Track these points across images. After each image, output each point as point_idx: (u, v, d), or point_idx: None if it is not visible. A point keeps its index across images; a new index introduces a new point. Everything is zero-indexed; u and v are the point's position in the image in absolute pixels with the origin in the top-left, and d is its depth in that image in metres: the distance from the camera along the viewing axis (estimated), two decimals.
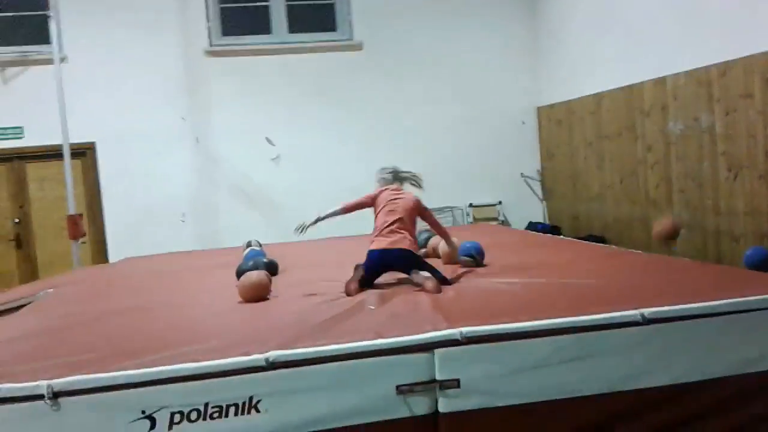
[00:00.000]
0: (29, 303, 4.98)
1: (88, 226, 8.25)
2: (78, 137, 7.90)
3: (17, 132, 8.27)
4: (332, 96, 8.82)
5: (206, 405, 2.86)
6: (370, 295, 3.96)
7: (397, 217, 4.38)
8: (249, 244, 6.14)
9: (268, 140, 8.68)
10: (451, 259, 4.89)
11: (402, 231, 4.35)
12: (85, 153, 8.41)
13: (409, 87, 8.94)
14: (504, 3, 9.17)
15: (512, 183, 9.24)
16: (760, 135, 5.43)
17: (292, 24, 8.91)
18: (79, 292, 5.14)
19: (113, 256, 8.24)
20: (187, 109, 8.58)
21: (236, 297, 4.14)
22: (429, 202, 8.70)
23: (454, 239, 4.94)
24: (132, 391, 2.82)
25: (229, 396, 2.88)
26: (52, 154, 7.91)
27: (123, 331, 3.62)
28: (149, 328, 3.66)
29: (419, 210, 4.55)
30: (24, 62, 8.24)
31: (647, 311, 3.19)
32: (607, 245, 6.34)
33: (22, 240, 8.39)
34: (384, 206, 4.45)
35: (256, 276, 4.21)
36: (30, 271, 8.32)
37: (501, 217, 9.12)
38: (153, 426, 2.83)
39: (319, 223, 4.55)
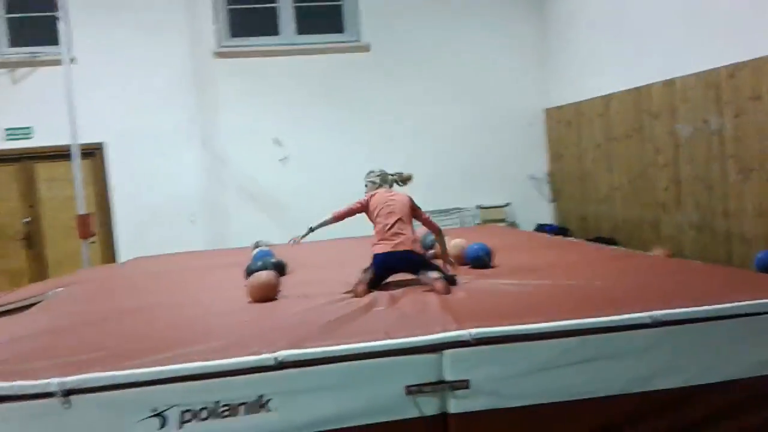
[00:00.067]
0: (39, 302, 5.01)
1: (98, 226, 8.27)
2: (87, 137, 7.93)
3: (26, 132, 8.31)
4: (340, 97, 8.83)
5: (216, 403, 2.88)
6: (379, 296, 3.96)
7: (396, 218, 4.40)
8: (257, 245, 6.16)
9: (276, 141, 8.70)
10: (446, 258, 4.83)
11: (404, 232, 4.37)
12: (94, 153, 8.44)
13: (417, 88, 8.94)
14: (512, 4, 9.16)
15: (520, 184, 9.22)
16: None
17: (300, 25, 8.93)
18: (89, 291, 5.16)
19: (122, 255, 8.26)
20: (196, 110, 8.60)
21: (245, 297, 4.15)
22: (437, 204, 8.90)
23: (460, 240, 4.94)
24: (142, 389, 2.84)
25: (239, 395, 2.90)
26: (62, 154, 7.94)
27: (133, 329, 3.63)
28: (159, 327, 3.67)
29: (413, 208, 4.56)
30: (33, 63, 8.28)
31: (657, 314, 3.19)
32: (616, 247, 6.32)
33: (32, 239, 8.42)
34: (381, 209, 4.45)
35: (264, 276, 4.22)
36: (40, 271, 8.35)
37: (509, 219, 9.10)
38: (163, 424, 2.85)
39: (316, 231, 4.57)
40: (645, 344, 3.16)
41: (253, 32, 8.89)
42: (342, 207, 4.56)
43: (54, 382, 2.78)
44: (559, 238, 7.21)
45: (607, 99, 7.74)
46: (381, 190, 4.64)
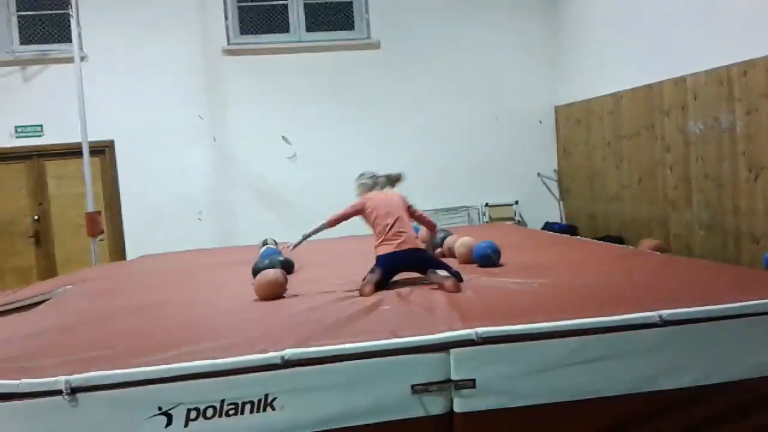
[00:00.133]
0: (48, 299, 5.03)
1: (107, 224, 8.31)
2: (97, 135, 7.96)
3: (37, 130, 8.35)
4: (349, 95, 8.83)
5: (222, 402, 2.88)
6: (386, 294, 3.96)
7: (395, 218, 4.40)
8: (265, 243, 6.17)
9: (285, 139, 8.70)
10: (428, 245, 4.87)
11: (405, 230, 4.38)
12: (103, 151, 8.48)
13: (426, 85, 8.92)
14: (522, 1, 9.12)
15: (529, 182, 9.19)
16: None
17: (310, 23, 8.93)
18: (97, 288, 5.19)
19: (131, 253, 8.29)
20: (205, 108, 8.62)
21: (252, 295, 4.16)
22: (445, 202, 8.88)
23: (468, 238, 4.93)
24: (149, 387, 2.84)
25: (245, 393, 2.90)
26: (71, 151, 7.99)
27: (140, 327, 3.64)
28: (166, 325, 3.68)
29: (407, 206, 4.58)
30: (44, 61, 8.32)
31: (665, 313, 3.17)
32: (624, 246, 6.29)
33: (41, 237, 8.47)
34: (379, 210, 4.43)
35: (272, 274, 4.22)
36: (48, 268, 8.39)
37: (517, 217, 9.08)
38: (169, 422, 2.85)
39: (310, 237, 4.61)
40: (652, 344, 3.14)
41: (263, 29, 8.89)
42: (337, 211, 4.53)
43: (61, 380, 2.79)
44: (567, 236, 7.18)
45: (618, 96, 7.70)
46: (374, 192, 4.63)
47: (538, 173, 9.20)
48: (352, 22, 9.03)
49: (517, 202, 9.10)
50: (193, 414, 2.86)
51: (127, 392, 2.83)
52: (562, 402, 3.09)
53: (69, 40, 7.80)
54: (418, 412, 3.02)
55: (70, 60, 7.73)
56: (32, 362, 3.01)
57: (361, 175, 4.81)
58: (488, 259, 4.85)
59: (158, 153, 8.47)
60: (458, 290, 3.94)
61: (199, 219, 8.57)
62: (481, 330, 3.07)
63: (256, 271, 4.55)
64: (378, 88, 8.86)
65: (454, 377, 3.03)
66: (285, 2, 8.87)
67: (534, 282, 4.07)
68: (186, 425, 2.86)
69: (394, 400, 3.00)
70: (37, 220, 8.46)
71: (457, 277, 4.16)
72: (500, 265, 4.81)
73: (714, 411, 3.18)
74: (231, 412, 2.89)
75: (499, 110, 9.05)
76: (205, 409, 2.87)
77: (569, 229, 8.44)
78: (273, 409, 2.91)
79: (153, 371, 2.87)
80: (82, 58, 7.92)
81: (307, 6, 8.90)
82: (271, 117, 8.68)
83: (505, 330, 3.10)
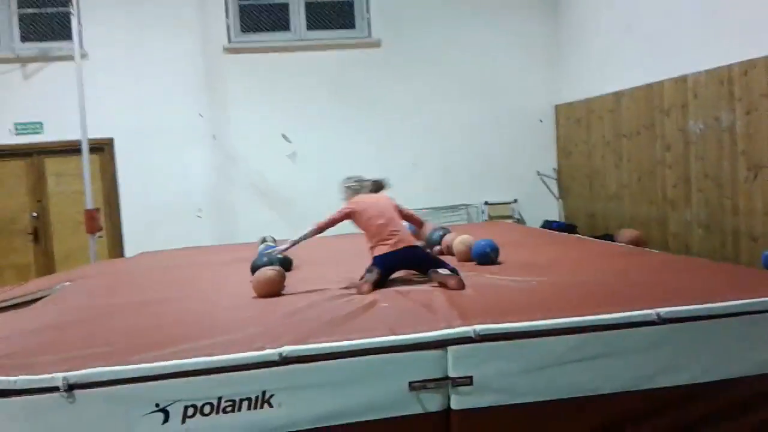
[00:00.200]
0: (46, 296, 5.03)
1: (105, 221, 8.31)
2: (96, 133, 7.96)
3: (36, 127, 8.35)
4: (350, 93, 8.82)
5: (219, 399, 2.88)
6: (384, 292, 3.96)
7: (388, 217, 4.41)
8: (264, 240, 6.17)
9: (285, 137, 8.70)
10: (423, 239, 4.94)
11: (399, 229, 4.39)
12: (103, 148, 8.47)
13: (427, 84, 8.92)
14: (523, 0, 9.11)
15: (528, 181, 9.19)
16: None
17: (311, 21, 8.92)
18: (96, 285, 5.18)
19: (129, 250, 8.29)
20: (205, 106, 8.62)
21: (250, 292, 4.15)
22: (445, 200, 8.88)
23: (467, 236, 4.93)
24: (146, 384, 2.84)
25: (242, 390, 2.90)
26: (71, 149, 7.99)
27: (138, 324, 3.64)
28: (164, 322, 3.68)
29: (395, 205, 4.59)
30: (44, 58, 8.31)
31: (663, 311, 3.17)
32: (623, 244, 6.28)
33: (39, 234, 8.47)
34: (371, 212, 4.42)
35: (270, 272, 4.22)
36: (47, 265, 8.39)
37: (516, 215, 9.08)
38: (166, 419, 2.85)
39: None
40: (649, 342, 3.14)
41: (264, 28, 8.89)
42: (324, 217, 4.47)
43: (58, 377, 2.79)
44: (566, 234, 7.18)
45: (618, 96, 7.70)
46: (361, 195, 4.63)
47: (538, 172, 9.20)
48: (353, 20, 9.02)
49: (516, 201, 9.10)
50: (190, 411, 2.86)
51: (124, 389, 2.83)
52: (560, 399, 3.09)
53: (69, 37, 7.80)
54: (415, 409, 3.02)
55: (71, 58, 7.73)
56: (30, 359, 3.01)
57: (348, 178, 4.81)
58: (487, 257, 4.85)
59: (158, 151, 8.47)
60: (462, 287, 3.93)
61: (199, 216, 8.57)
62: (479, 327, 3.07)
63: (254, 269, 4.54)
64: (379, 86, 8.84)
65: (451, 374, 3.03)
66: (286, 1, 8.86)
67: (533, 280, 4.07)
68: (183, 422, 2.86)
69: (392, 397, 3.00)
70: (36, 217, 8.46)
71: (455, 273, 4.16)
72: (499, 263, 4.81)
73: (712, 408, 3.19)
74: (228, 408, 2.88)
75: (499, 109, 9.04)
76: (203, 405, 2.87)
77: (568, 228, 8.43)
78: (270, 406, 2.91)
79: (150, 368, 2.87)
80: (83, 56, 7.92)
81: (308, 5, 8.89)
82: (271, 115, 8.68)
83: (503, 327, 3.10)
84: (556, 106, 9.19)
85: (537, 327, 3.11)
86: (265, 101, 8.68)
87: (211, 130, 8.64)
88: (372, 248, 4.36)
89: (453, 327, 3.11)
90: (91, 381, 2.81)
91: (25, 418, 2.81)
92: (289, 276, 4.56)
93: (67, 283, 5.33)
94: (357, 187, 4.71)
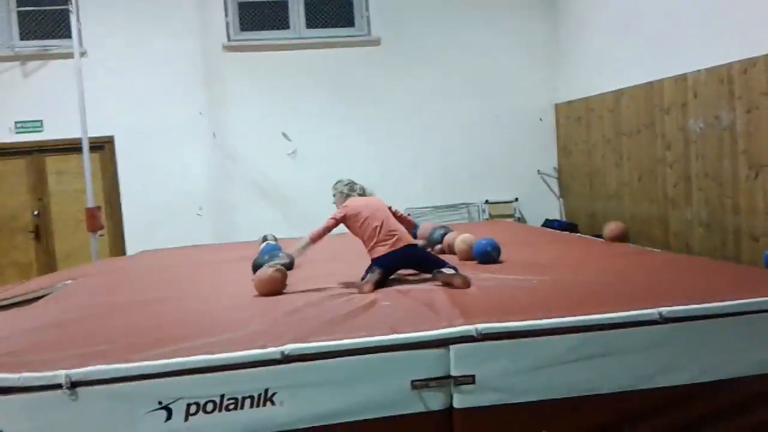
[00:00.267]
0: (47, 294, 5.03)
1: (106, 219, 8.30)
2: (97, 131, 7.95)
3: (37, 125, 8.34)
4: (349, 91, 8.81)
5: (222, 397, 2.89)
6: (385, 291, 3.96)
7: (383, 218, 4.40)
8: (265, 239, 6.17)
9: (285, 135, 8.70)
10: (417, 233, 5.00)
11: (396, 228, 4.38)
12: (103, 147, 8.47)
13: (427, 82, 8.91)
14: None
15: (529, 180, 9.19)
16: None
17: (310, 19, 8.91)
18: (97, 283, 5.19)
19: (131, 249, 8.28)
20: (205, 104, 8.61)
21: (252, 291, 4.16)
22: (445, 199, 8.88)
23: (468, 235, 4.93)
24: (149, 381, 2.85)
25: (245, 388, 2.90)
26: (71, 147, 7.98)
27: (140, 322, 3.65)
28: (165, 320, 3.68)
29: (387, 206, 4.59)
30: (44, 56, 8.30)
31: (665, 310, 3.18)
32: (624, 243, 6.28)
33: (40, 232, 8.46)
34: (365, 214, 4.40)
35: (271, 270, 4.22)
36: (48, 263, 8.39)
37: (517, 214, 9.08)
38: (169, 416, 2.86)
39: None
40: (650, 341, 3.15)
41: (263, 26, 8.88)
42: (317, 227, 4.42)
43: (61, 374, 2.79)
44: (567, 233, 7.18)
45: (618, 94, 7.70)
46: (352, 198, 4.61)
47: (538, 170, 9.20)
48: (353, 18, 9.02)
49: (516, 200, 9.10)
50: (193, 408, 2.87)
51: (127, 386, 2.84)
52: (562, 398, 3.10)
53: (69, 35, 7.79)
54: (417, 408, 3.03)
55: (70, 56, 7.72)
56: (32, 356, 3.01)
57: (338, 182, 4.78)
58: (488, 256, 4.85)
59: (158, 149, 8.45)
60: (468, 286, 3.93)
61: (199, 214, 8.56)
62: (481, 326, 3.08)
63: (255, 267, 4.55)
64: (378, 85, 8.82)
65: (453, 373, 3.04)
66: None
67: (534, 279, 4.07)
68: (186, 419, 2.87)
69: (394, 396, 3.01)
70: (37, 215, 8.45)
71: (455, 270, 4.16)
72: (500, 262, 4.81)
73: (712, 408, 3.19)
74: (231, 406, 2.89)
75: (499, 108, 9.03)
76: (205, 403, 2.88)
77: (569, 227, 8.44)
78: (273, 404, 2.92)
79: (153, 366, 2.88)
80: (82, 54, 7.91)
81: (307, 3, 8.88)
82: (270, 113, 8.67)
83: (505, 326, 3.10)
84: (556, 105, 9.19)
85: (539, 326, 3.12)
86: (265, 99, 8.67)
87: (211, 128, 8.63)
88: (370, 250, 4.35)
89: (455, 326, 3.12)
90: (93, 378, 2.83)
91: (28, 415, 2.81)
92: (291, 275, 4.55)
93: (69, 282, 5.34)
94: (347, 191, 4.68)
